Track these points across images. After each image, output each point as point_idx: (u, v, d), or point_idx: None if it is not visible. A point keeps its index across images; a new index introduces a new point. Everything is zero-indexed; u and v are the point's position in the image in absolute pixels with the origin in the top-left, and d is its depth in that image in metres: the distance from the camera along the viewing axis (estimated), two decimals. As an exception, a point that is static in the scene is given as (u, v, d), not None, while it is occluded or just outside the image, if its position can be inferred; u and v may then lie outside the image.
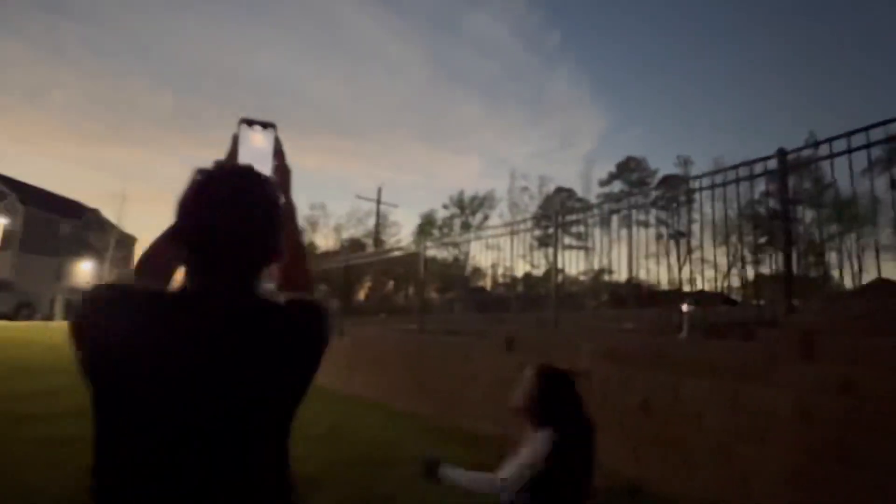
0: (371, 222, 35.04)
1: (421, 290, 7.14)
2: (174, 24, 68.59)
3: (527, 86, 64.86)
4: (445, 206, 41.76)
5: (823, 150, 3.08)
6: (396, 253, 8.63)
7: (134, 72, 68.86)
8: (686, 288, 6.04)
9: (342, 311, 8.49)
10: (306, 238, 49.53)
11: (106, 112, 72.03)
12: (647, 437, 3.47)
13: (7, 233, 34.97)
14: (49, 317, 26.11)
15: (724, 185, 3.62)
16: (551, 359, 4.27)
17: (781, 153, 3.26)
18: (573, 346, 4.21)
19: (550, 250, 6.14)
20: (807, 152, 3.18)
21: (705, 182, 4.03)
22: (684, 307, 4.15)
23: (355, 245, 35.25)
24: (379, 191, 26.28)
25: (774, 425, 2.91)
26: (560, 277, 6.41)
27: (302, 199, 73.12)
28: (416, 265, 7.07)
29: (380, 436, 4.59)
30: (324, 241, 43.60)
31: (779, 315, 3.21)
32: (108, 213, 41.78)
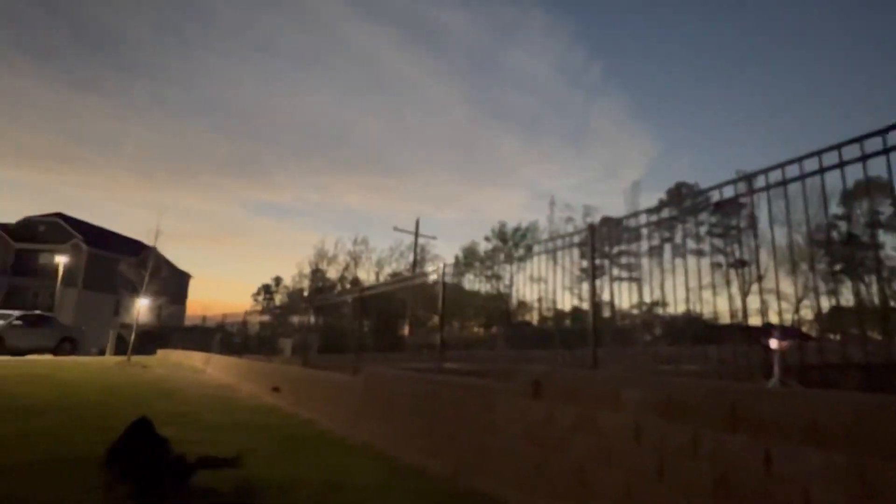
0: (413, 256, 34.65)
1: (441, 323, 6.29)
2: (230, 75, 73.31)
3: (568, 119, 64.23)
4: (487, 239, 41.02)
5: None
6: (417, 281, 7.84)
7: (194, 121, 73.86)
8: (753, 321, 4.95)
9: (357, 348, 7.73)
10: (350, 272, 49.81)
11: (169, 159, 77.35)
12: (725, 528, 2.43)
13: (71, 271, 36.97)
14: (102, 351, 26.92)
15: (819, 172, 2.64)
16: (586, 407, 3.26)
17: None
18: (614, 392, 3.23)
19: (597, 282, 5.32)
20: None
21: (774, 177, 3.07)
22: (773, 342, 3.08)
23: (395, 277, 34.88)
24: (417, 223, 25.92)
25: (936, 528, 1.85)
26: (607, 310, 5.51)
27: (346, 235, 74.75)
28: (454, 297, 6.38)
29: (375, 505, 3.69)
30: (366, 275, 43.62)
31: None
32: (167, 252, 43.68)
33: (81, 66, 69.23)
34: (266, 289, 58.61)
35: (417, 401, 5.16)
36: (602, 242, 4.88)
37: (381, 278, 40.51)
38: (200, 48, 72.09)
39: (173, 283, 43.86)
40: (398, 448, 5.16)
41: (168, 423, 6.38)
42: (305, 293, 49.45)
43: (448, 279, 6.61)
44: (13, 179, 71.45)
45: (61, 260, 31.30)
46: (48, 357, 19.18)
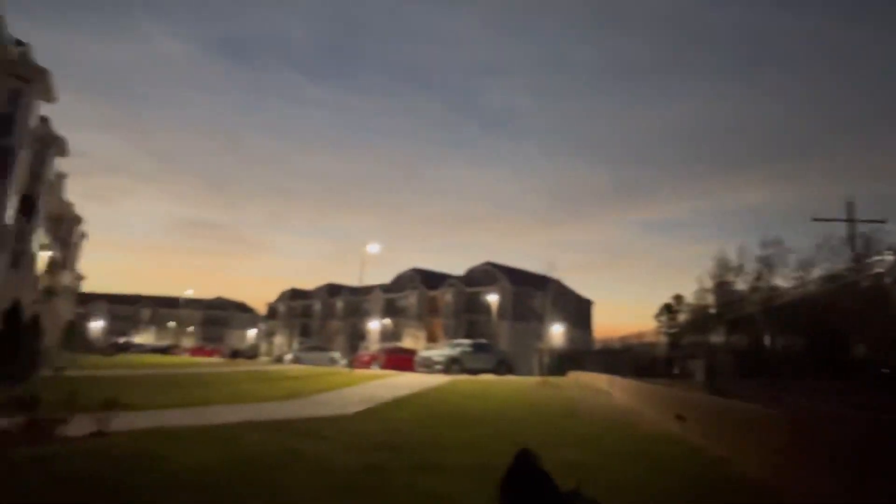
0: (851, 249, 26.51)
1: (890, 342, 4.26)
2: (591, 107, 77.59)
3: None
4: None
5: None
6: (861, 282, 5.74)
7: (572, 161, 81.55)
8: None
9: (779, 372, 6.07)
10: (764, 281, 42.57)
11: (557, 201, 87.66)
12: None
13: (501, 306, 45.53)
14: (530, 371, 31.64)
15: None
16: None
17: None
18: None
19: None
20: None
21: None
22: None
23: (830, 280, 27.36)
24: (849, 206, 19.78)
25: None
26: None
27: (753, 239, 64.35)
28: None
29: None
30: (784, 281, 36.17)
31: None
32: (568, 282, 48.58)
33: (483, 145, 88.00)
34: (668, 308, 56.39)
35: (872, 455, 3.53)
36: None
37: (806, 282, 32.66)
38: (556, 98, 79.61)
39: (577, 310, 47.81)
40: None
41: (570, 444, 6.60)
42: (711, 309, 44.86)
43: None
44: (457, 241, 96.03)
45: (493, 298, 39.15)
46: (489, 377, 23.88)
